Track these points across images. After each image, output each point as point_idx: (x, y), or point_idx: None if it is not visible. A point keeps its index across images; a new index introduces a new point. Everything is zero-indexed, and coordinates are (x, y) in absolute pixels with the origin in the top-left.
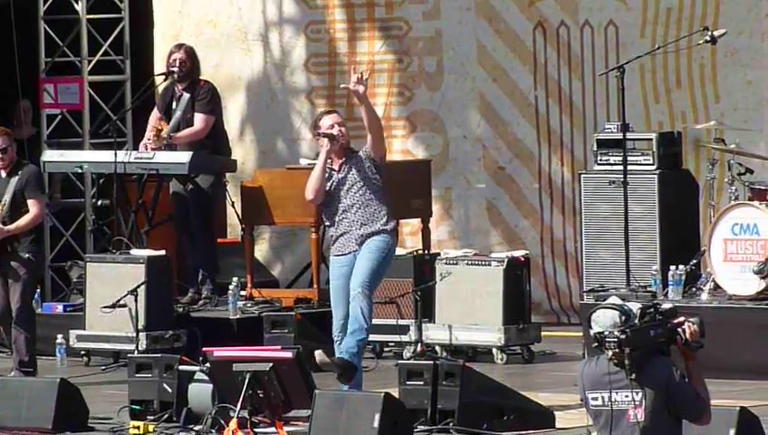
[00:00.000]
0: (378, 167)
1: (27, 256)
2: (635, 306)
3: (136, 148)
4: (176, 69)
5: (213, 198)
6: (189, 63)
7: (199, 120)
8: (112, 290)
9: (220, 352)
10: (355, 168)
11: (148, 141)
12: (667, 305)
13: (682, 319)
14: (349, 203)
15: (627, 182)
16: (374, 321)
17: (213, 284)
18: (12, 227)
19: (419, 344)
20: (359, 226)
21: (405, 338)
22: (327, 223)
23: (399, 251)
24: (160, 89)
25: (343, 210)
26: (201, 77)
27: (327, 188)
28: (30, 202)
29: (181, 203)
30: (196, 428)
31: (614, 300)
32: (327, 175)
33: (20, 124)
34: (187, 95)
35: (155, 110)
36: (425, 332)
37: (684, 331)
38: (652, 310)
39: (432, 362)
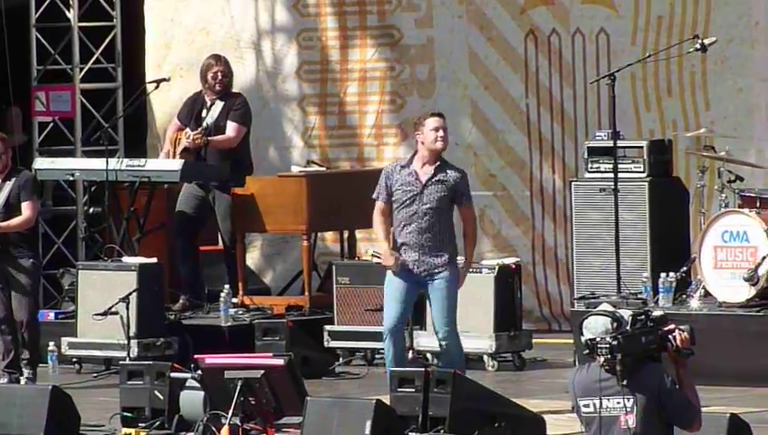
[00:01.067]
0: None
1: (30, 262)
2: (626, 313)
3: (128, 155)
4: (217, 81)
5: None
6: (230, 75)
7: (232, 128)
8: (104, 297)
9: (212, 360)
10: (441, 187)
11: (187, 137)
12: (657, 312)
13: (672, 326)
14: (423, 225)
15: (617, 190)
16: (365, 328)
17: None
18: (3, 224)
19: (411, 352)
20: (428, 252)
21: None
22: (396, 223)
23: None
24: (155, 96)
25: (416, 227)
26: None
27: (407, 187)
28: (24, 205)
29: (190, 206)
30: None
31: (605, 307)
32: (410, 177)
33: (10, 132)
34: (220, 103)
35: (174, 119)
36: (416, 339)
37: (675, 338)
38: (643, 317)
39: (423, 369)
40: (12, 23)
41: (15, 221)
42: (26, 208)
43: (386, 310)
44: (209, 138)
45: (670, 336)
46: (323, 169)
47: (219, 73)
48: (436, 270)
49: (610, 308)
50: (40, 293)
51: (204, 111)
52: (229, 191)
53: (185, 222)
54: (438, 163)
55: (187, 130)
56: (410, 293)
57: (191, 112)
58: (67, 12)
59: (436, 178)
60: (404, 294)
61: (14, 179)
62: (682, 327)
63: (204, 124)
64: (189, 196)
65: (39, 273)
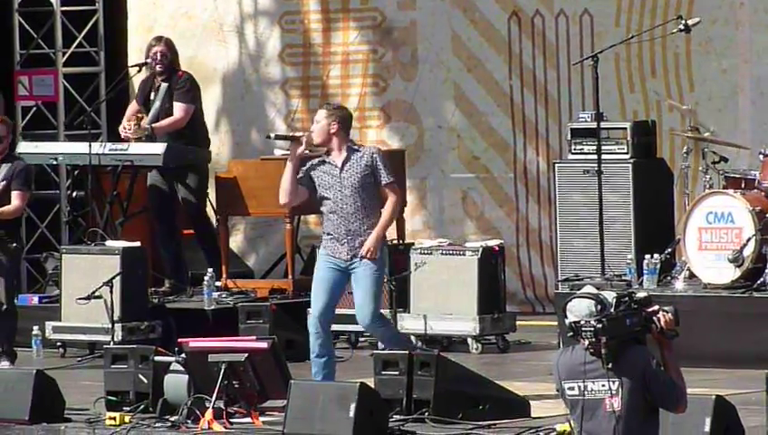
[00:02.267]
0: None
1: (12, 246)
2: (610, 295)
3: (111, 139)
4: (157, 62)
5: (203, 196)
6: (170, 55)
7: (179, 109)
8: (88, 281)
9: (195, 343)
10: (359, 168)
11: (125, 129)
12: (641, 294)
13: (656, 308)
14: (348, 210)
15: (601, 171)
16: (349, 311)
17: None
18: None
19: None
20: (353, 237)
21: (394, 326)
22: (324, 213)
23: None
24: (137, 80)
25: (341, 214)
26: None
27: (322, 182)
28: (14, 194)
29: (159, 194)
30: (172, 418)
31: (589, 289)
32: (329, 167)
33: None
34: (165, 85)
35: (133, 102)
36: (400, 321)
37: (659, 319)
38: (627, 299)
39: (407, 352)
40: None
41: (5, 209)
42: (16, 198)
43: (313, 300)
44: (154, 124)
45: (654, 318)
46: (307, 152)
47: (159, 54)
48: (359, 256)
49: (594, 290)
50: (24, 278)
51: (152, 94)
52: (189, 172)
53: (159, 208)
54: (348, 147)
55: (132, 117)
56: (339, 281)
57: (143, 95)
58: None
59: (351, 161)
60: (332, 283)
61: (9, 165)
62: (666, 309)
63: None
64: (155, 183)
65: (20, 256)
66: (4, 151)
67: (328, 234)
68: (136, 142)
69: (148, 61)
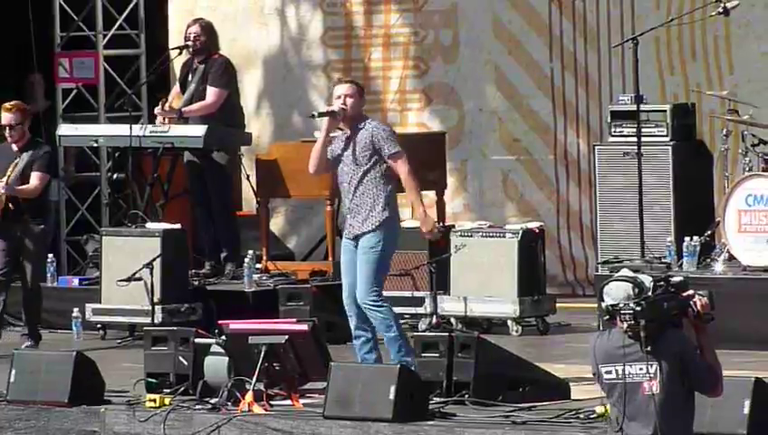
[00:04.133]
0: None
1: (40, 229)
2: (647, 279)
3: (151, 121)
4: (191, 43)
5: (230, 175)
6: (204, 38)
7: (211, 93)
8: (128, 263)
9: (236, 325)
10: (361, 144)
11: (158, 112)
12: (677, 278)
13: (692, 292)
14: (350, 186)
15: (641, 154)
16: (389, 293)
17: (237, 259)
18: (8, 188)
19: (434, 317)
20: (355, 214)
21: (420, 310)
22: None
23: (415, 224)
24: (178, 62)
25: (352, 190)
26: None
27: (335, 157)
28: (33, 175)
29: (196, 174)
30: (213, 400)
31: (626, 272)
32: (342, 143)
33: (31, 98)
34: (201, 68)
35: (176, 85)
36: (440, 304)
37: (695, 303)
38: (663, 283)
39: (447, 334)
40: None
41: (22, 187)
42: (35, 178)
43: (343, 282)
44: (184, 108)
45: (691, 302)
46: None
47: (193, 35)
48: (360, 234)
49: (631, 274)
50: (63, 259)
51: (189, 76)
52: (219, 156)
53: (197, 191)
54: (355, 124)
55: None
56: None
57: (182, 77)
58: None
59: (355, 137)
60: (352, 263)
61: (31, 151)
62: (701, 292)
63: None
64: (191, 165)
65: (47, 240)
66: (24, 137)
67: (345, 213)
68: (172, 124)
69: (189, 43)
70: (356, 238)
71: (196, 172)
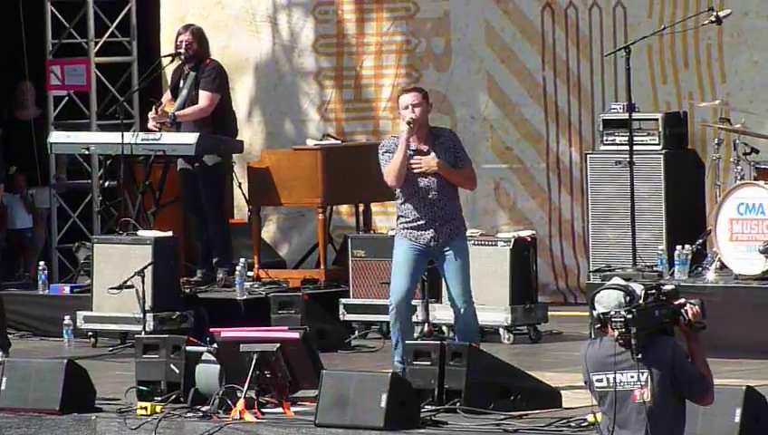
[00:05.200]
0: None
1: None
2: (638, 287)
3: (143, 129)
4: (182, 50)
5: (222, 179)
6: (196, 45)
7: (204, 97)
8: (119, 271)
9: (227, 333)
10: (445, 154)
11: (151, 117)
12: (668, 286)
13: (684, 300)
14: (432, 195)
15: (633, 162)
16: (381, 301)
17: (229, 266)
18: None
19: (426, 325)
20: (442, 222)
21: (412, 318)
22: (399, 199)
23: None
24: (170, 70)
25: (425, 199)
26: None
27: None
28: None
29: (189, 181)
30: (204, 409)
31: (617, 280)
32: (411, 153)
33: (23, 106)
34: (192, 74)
35: (167, 91)
36: (432, 312)
37: (686, 311)
38: (655, 291)
39: (439, 342)
40: None
41: None
42: None
43: (394, 283)
44: (178, 112)
45: (682, 310)
46: (339, 142)
47: (184, 42)
48: (449, 240)
49: (623, 282)
50: (54, 267)
51: (181, 82)
52: (208, 159)
53: (191, 197)
54: (429, 132)
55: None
56: (420, 265)
57: (173, 84)
58: None
59: (437, 145)
60: (414, 266)
61: None
62: (693, 301)
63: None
64: (183, 173)
65: None
66: None
67: (414, 219)
68: (163, 131)
69: (181, 51)
70: (436, 247)
71: (189, 179)
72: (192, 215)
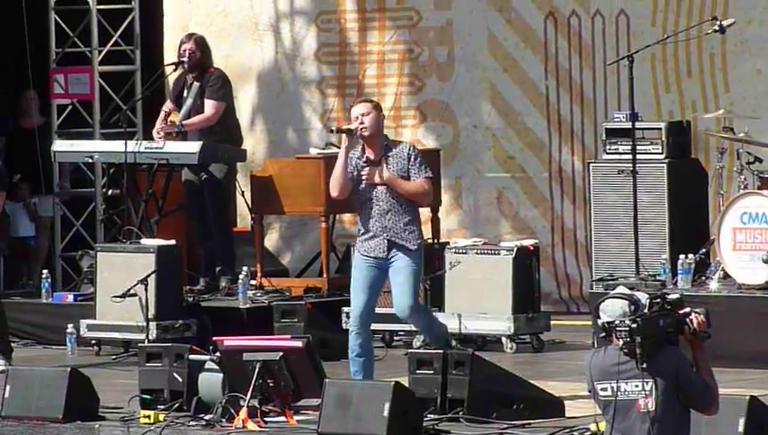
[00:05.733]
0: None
1: None
2: (643, 296)
3: (146, 138)
4: (185, 59)
5: (227, 188)
6: (199, 53)
7: (209, 106)
8: (123, 279)
9: (230, 342)
10: (395, 167)
11: (159, 127)
12: (673, 295)
13: (688, 309)
14: (381, 207)
15: (636, 171)
16: (383, 310)
17: (232, 275)
18: None
19: None
20: (391, 234)
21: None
22: (358, 212)
23: None
24: (172, 79)
25: (374, 211)
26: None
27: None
28: None
29: (193, 190)
30: (207, 417)
31: (622, 290)
32: (363, 164)
33: (27, 114)
34: (197, 84)
35: (167, 101)
36: None
37: (691, 321)
38: (660, 300)
39: (441, 351)
40: (31, 5)
41: None
42: None
43: (353, 299)
44: (185, 121)
45: (687, 319)
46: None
47: (188, 51)
48: (399, 251)
49: (627, 291)
50: (58, 275)
51: (185, 91)
52: (219, 171)
53: (194, 205)
54: (384, 144)
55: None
56: (376, 278)
57: (175, 93)
58: None
59: (389, 157)
60: (369, 282)
61: None
62: (698, 310)
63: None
64: (189, 181)
65: (0, 256)
66: None
67: (365, 231)
68: (168, 140)
69: (184, 59)
70: (386, 258)
71: (194, 187)
72: (195, 223)
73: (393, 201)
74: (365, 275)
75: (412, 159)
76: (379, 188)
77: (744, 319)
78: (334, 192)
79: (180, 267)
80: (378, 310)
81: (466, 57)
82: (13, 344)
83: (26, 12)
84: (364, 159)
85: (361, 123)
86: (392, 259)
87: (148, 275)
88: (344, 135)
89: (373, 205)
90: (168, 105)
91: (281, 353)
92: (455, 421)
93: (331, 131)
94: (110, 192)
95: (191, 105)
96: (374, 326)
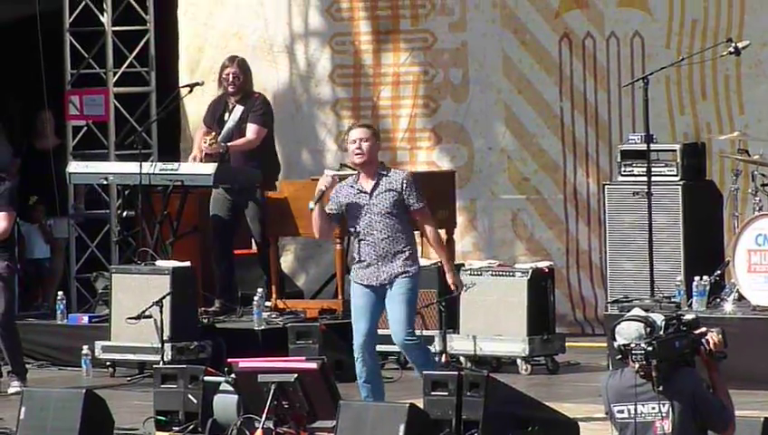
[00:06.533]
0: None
1: (4, 265)
2: (659, 318)
3: (161, 159)
4: (229, 83)
5: (263, 218)
6: (243, 77)
7: (252, 130)
8: (138, 301)
9: (245, 363)
10: (389, 194)
11: (202, 148)
12: (689, 316)
13: (704, 330)
14: (375, 235)
15: (651, 193)
16: None
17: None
18: None
19: (444, 355)
20: (384, 261)
21: (429, 349)
22: (353, 239)
23: (424, 262)
24: (188, 100)
25: (367, 239)
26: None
27: (350, 203)
28: (0, 215)
29: (224, 208)
30: None
31: (638, 311)
32: (357, 193)
33: (42, 135)
34: (240, 107)
35: (201, 124)
36: (449, 342)
37: (707, 341)
38: (675, 321)
39: (457, 372)
40: (46, 27)
41: None
42: (2, 219)
43: (354, 327)
44: (229, 143)
45: (703, 340)
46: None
47: (231, 75)
48: (395, 278)
49: (643, 313)
50: (72, 296)
51: (226, 114)
52: (256, 193)
53: (220, 225)
54: (379, 171)
55: (205, 136)
56: (375, 305)
57: (213, 116)
58: (101, 16)
59: (381, 185)
60: (368, 308)
61: None
62: (714, 330)
63: (222, 130)
64: (219, 200)
65: (14, 276)
66: None
67: (360, 260)
68: (209, 159)
69: (201, 81)
70: (381, 285)
71: (225, 205)
72: (218, 241)
73: (387, 230)
74: (363, 303)
75: (406, 188)
76: (373, 217)
77: (758, 341)
78: (319, 235)
79: (195, 289)
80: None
81: (481, 79)
82: (28, 366)
83: (41, 33)
84: (357, 187)
85: (359, 148)
86: (388, 286)
87: (163, 297)
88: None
89: (367, 233)
90: (201, 129)
91: (296, 375)
92: None
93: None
94: (124, 214)
95: (233, 128)
96: (388, 348)
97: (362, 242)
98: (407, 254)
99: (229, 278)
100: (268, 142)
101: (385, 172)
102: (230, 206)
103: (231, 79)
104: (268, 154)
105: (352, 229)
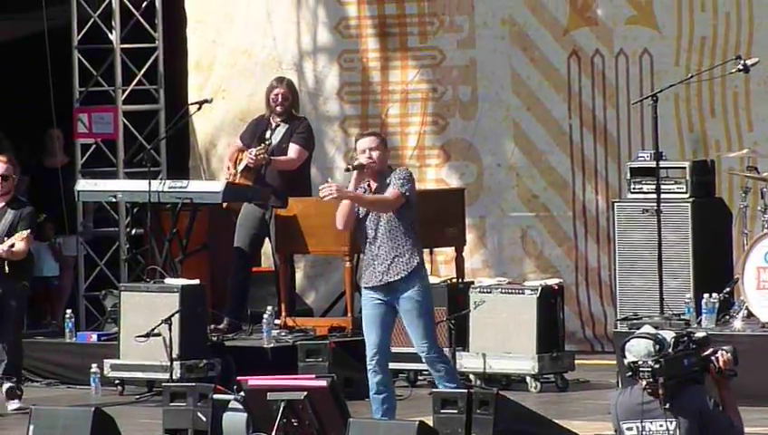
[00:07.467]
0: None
1: (20, 285)
2: (669, 335)
3: (170, 176)
4: (278, 103)
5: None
6: (291, 97)
7: (294, 150)
8: (147, 319)
9: (254, 381)
10: (381, 190)
11: (254, 153)
12: (700, 334)
13: (715, 348)
14: (371, 235)
15: (660, 210)
16: (408, 349)
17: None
18: (3, 252)
19: None
20: (380, 260)
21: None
22: (362, 244)
23: (433, 280)
24: (197, 118)
25: (371, 240)
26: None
27: (358, 212)
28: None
29: (251, 223)
30: None
31: (647, 329)
32: (364, 193)
33: (51, 153)
34: (284, 126)
35: (236, 140)
36: (459, 360)
37: (717, 359)
38: (686, 339)
39: (466, 390)
40: (55, 45)
41: (15, 250)
42: (24, 241)
43: (366, 339)
44: (271, 157)
45: (713, 358)
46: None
47: (280, 96)
48: (401, 284)
49: (653, 330)
50: (81, 314)
51: (268, 133)
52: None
53: (244, 240)
54: (382, 175)
55: (251, 147)
56: (385, 313)
57: (254, 134)
58: (109, 34)
59: (379, 186)
60: (381, 318)
61: (15, 211)
62: (725, 348)
63: (268, 142)
64: (249, 215)
65: (26, 296)
66: (11, 192)
67: (365, 262)
68: (245, 173)
69: (209, 99)
70: (388, 284)
71: (258, 218)
72: (239, 254)
73: (380, 229)
74: (374, 314)
75: (395, 176)
76: (378, 215)
77: (767, 358)
78: (341, 225)
79: (204, 307)
80: (402, 349)
81: (490, 96)
82: (36, 384)
83: (50, 51)
84: (363, 187)
85: (369, 157)
86: (396, 296)
87: (172, 315)
88: (354, 170)
89: (370, 236)
90: (235, 146)
91: (305, 393)
92: None
93: (348, 170)
94: (133, 232)
95: (276, 146)
96: (398, 366)
97: (366, 245)
98: (410, 254)
99: (243, 293)
100: (305, 166)
101: (389, 172)
102: (259, 222)
103: (280, 99)
104: (302, 178)
105: (360, 233)
